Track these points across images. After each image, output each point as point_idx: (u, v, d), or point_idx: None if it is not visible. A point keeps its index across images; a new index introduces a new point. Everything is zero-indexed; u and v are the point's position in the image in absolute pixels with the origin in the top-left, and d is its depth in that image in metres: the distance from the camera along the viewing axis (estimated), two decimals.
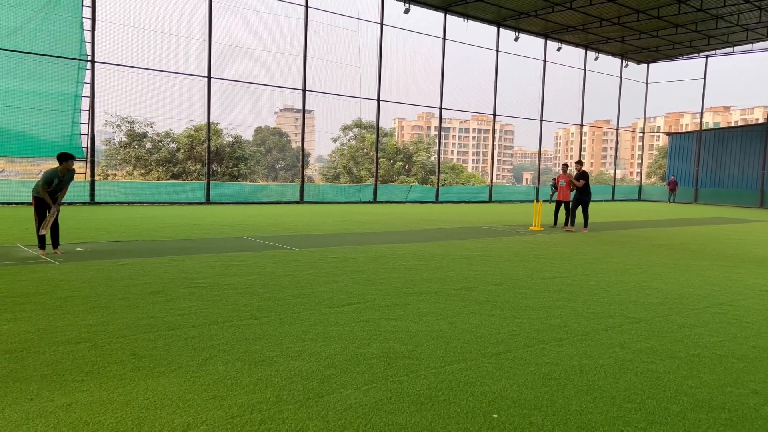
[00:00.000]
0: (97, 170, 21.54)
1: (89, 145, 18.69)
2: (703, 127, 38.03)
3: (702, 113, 37.34)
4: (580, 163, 15.74)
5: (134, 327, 5.00)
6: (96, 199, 19.05)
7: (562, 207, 15.77)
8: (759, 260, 10.61)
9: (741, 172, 34.31)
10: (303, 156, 25.55)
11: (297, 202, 23.24)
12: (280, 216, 16.90)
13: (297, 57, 22.81)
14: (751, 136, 34.59)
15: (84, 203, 18.66)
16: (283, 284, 6.96)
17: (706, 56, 34.91)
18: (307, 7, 22.52)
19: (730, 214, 25.75)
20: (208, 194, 21.26)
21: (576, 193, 15.14)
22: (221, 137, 30.75)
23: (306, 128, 24.78)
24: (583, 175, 14.97)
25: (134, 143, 30.57)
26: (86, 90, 18.51)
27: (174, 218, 15.09)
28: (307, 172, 64.47)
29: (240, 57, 22.35)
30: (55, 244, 8.96)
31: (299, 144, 25.43)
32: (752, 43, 32.00)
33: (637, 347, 4.88)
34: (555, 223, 15.98)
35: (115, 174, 31.13)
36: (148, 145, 31.18)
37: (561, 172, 15.93)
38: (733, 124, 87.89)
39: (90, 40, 18.38)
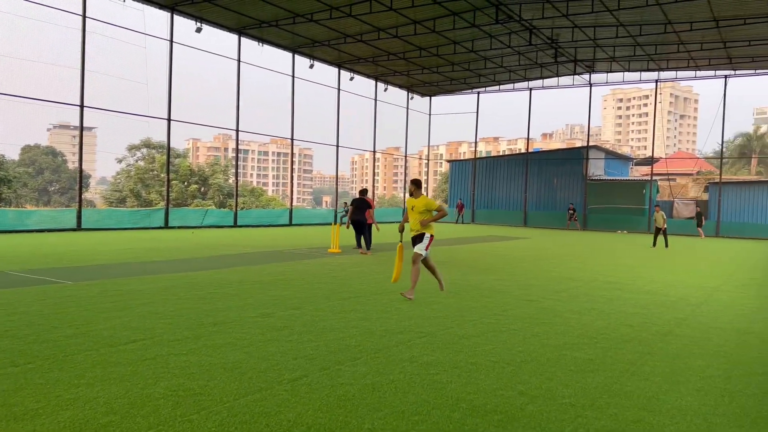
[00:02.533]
0: None
1: None
2: (478, 156, 42.65)
3: (476, 143, 41.84)
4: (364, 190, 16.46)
5: None
6: None
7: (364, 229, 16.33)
8: (523, 273, 12.10)
9: (508, 195, 39.07)
10: (81, 177, 23.10)
11: (74, 230, 20.89)
12: (52, 245, 15.04)
13: (74, 70, 20.71)
14: (515, 163, 39.70)
15: None
16: (53, 324, 6.16)
17: (478, 92, 39.32)
18: (84, 17, 20.60)
19: (501, 232, 29.08)
20: None
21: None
22: None
23: (85, 147, 22.50)
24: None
25: None
26: None
27: None
28: (87, 195, 58.53)
29: (3, 66, 19.63)
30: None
31: (77, 164, 22.97)
32: (514, 82, 36.85)
33: (424, 360, 5.22)
34: (363, 245, 16.44)
35: None
36: None
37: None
38: (501, 153, 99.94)
39: None
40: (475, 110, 39.46)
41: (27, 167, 59.09)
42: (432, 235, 8.45)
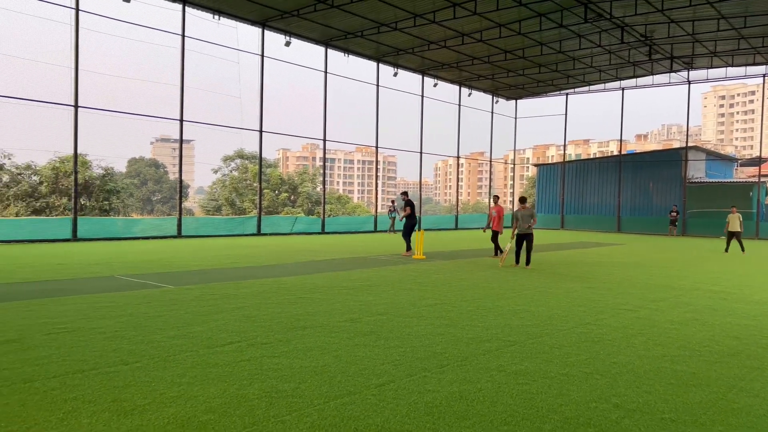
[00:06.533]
0: None
1: None
2: (566, 159, 41.30)
3: (565, 146, 40.57)
4: (405, 193, 17.47)
5: None
6: None
7: (497, 237, 16.92)
8: (618, 281, 11.59)
9: (600, 200, 37.56)
10: (181, 187, 24.55)
11: (175, 237, 22.19)
12: (155, 252, 16.04)
13: (174, 86, 22.06)
14: (607, 166, 38.08)
15: None
16: (157, 325, 6.57)
17: (566, 94, 38.14)
18: (183, 36, 21.92)
19: (592, 238, 27.99)
20: (75, 230, 19.72)
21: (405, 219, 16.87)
22: (90, 169, 28.83)
23: (184, 159, 23.87)
24: (409, 204, 16.86)
25: None
26: None
27: (35, 257, 13.82)
28: (186, 204, 61.96)
29: (112, 85, 21.24)
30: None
31: (177, 175, 24.40)
32: (605, 82, 35.45)
33: (513, 369, 5.11)
34: (497, 252, 16.72)
35: None
36: (6, 178, 28.52)
37: (493, 203, 16.98)
38: (591, 156, 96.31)
39: None
40: (564, 112, 38.32)
41: (133, 178, 63.39)
42: None
